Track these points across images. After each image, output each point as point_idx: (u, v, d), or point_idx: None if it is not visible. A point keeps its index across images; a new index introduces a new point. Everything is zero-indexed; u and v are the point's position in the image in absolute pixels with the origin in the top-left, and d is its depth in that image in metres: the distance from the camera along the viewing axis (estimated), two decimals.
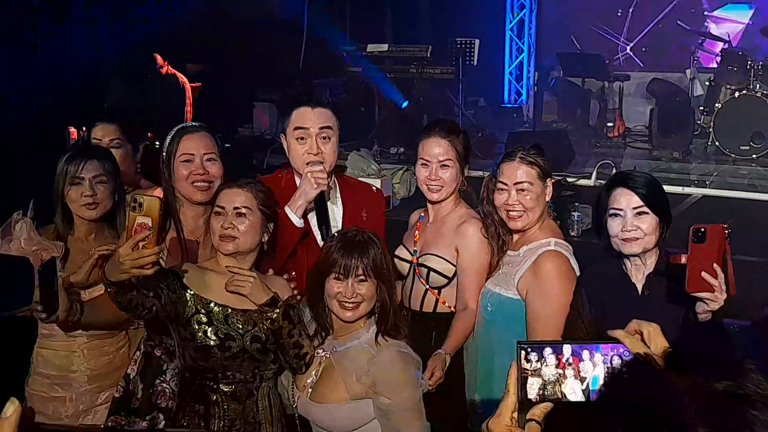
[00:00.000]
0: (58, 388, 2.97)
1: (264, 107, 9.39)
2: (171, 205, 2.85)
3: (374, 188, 3.31)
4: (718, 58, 8.58)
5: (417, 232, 3.15)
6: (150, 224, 2.28)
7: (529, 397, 1.53)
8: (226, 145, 8.24)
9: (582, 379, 1.51)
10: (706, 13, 10.27)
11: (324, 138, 2.91)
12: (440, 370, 2.73)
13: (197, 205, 2.86)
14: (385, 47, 9.16)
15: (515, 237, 2.94)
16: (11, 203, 3.07)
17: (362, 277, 2.51)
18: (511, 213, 2.85)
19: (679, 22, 9.79)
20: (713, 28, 10.04)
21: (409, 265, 3.08)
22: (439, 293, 3.02)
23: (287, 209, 2.82)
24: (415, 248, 3.09)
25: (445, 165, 2.99)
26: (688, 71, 9.43)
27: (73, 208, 2.92)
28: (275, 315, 2.47)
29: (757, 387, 1.10)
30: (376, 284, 2.53)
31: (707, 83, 8.75)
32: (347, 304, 2.51)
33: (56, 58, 6.96)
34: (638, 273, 2.63)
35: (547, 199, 2.89)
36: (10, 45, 6.62)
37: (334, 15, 9.88)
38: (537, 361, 1.53)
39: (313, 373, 2.61)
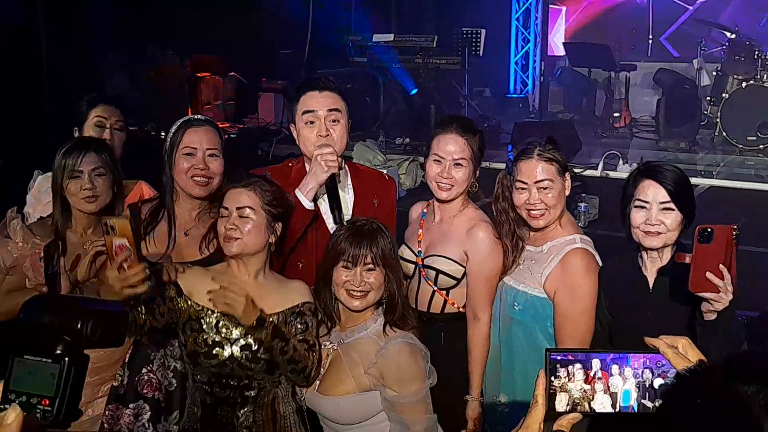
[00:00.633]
0: None
1: (269, 97, 9.38)
2: (167, 198, 2.86)
3: (386, 176, 3.27)
4: (725, 48, 8.53)
5: (420, 230, 3.06)
6: (127, 244, 2.34)
7: (558, 410, 1.52)
8: (231, 136, 8.30)
9: (612, 394, 1.50)
10: None
11: (333, 121, 2.88)
12: (479, 417, 2.83)
13: (194, 199, 2.85)
14: (390, 37, 9.12)
15: (533, 232, 2.89)
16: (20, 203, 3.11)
17: (371, 266, 2.51)
18: (532, 212, 2.77)
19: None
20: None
21: (413, 266, 3.01)
22: (447, 294, 2.96)
23: (298, 192, 2.80)
24: (420, 248, 3.01)
25: (459, 164, 2.88)
26: (695, 61, 9.38)
27: (73, 202, 2.90)
28: (263, 335, 2.42)
29: None
30: (384, 273, 2.53)
31: (714, 73, 8.71)
32: (355, 293, 2.51)
33: (58, 58, 6.96)
34: (653, 267, 2.60)
35: (567, 193, 2.83)
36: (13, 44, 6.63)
37: (340, 5, 9.85)
38: (565, 376, 1.51)
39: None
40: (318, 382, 2.57)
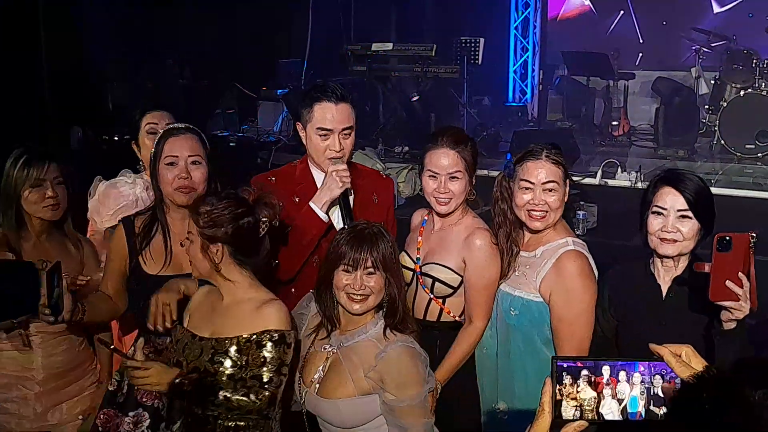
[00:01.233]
0: (21, 387, 3.01)
1: (269, 106, 9.39)
2: (158, 209, 2.88)
3: (383, 175, 3.38)
4: (724, 57, 8.55)
5: (420, 237, 3.08)
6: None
7: (564, 417, 1.51)
8: (231, 144, 8.30)
9: (619, 400, 1.50)
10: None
11: (345, 134, 2.97)
12: (433, 404, 2.72)
13: (183, 208, 2.84)
14: (389, 46, 9.14)
15: (527, 237, 2.89)
16: None
17: (371, 270, 2.52)
18: (533, 213, 2.78)
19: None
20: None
21: (411, 273, 3.02)
22: (443, 303, 2.97)
23: (313, 205, 2.90)
24: (418, 255, 3.03)
25: (454, 177, 2.90)
26: (693, 69, 9.39)
27: (33, 210, 2.96)
28: (187, 388, 2.39)
29: None
30: (385, 277, 2.54)
31: (713, 81, 8.72)
32: (355, 297, 2.52)
33: (60, 57, 6.97)
34: (666, 275, 2.59)
35: (566, 200, 2.85)
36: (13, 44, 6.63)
37: (339, 14, 9.87)
38: (571, 384, 1.51)
39: (320, 368, 2.61)
40: (318, 385, 2.57)
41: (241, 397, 2.37)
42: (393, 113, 8.86)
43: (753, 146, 7.75)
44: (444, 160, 2.91)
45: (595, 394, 1.49)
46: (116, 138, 3.48)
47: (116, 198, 3.31)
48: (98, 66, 7.64)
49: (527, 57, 11.34)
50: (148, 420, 2.75)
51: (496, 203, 2.94)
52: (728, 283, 2.21)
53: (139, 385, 2.47)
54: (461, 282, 2.93)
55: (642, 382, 1.49)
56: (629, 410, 1.48)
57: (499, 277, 2.90)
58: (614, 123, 9.18)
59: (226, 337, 2.46)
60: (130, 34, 7.84)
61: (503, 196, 2.91)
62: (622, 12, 10.78)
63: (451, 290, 2.95)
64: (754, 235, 2.26)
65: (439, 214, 3.02)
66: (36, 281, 2.44)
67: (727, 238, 2.23)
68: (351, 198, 3.05)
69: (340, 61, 9.26)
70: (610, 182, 6.82)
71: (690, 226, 2.49)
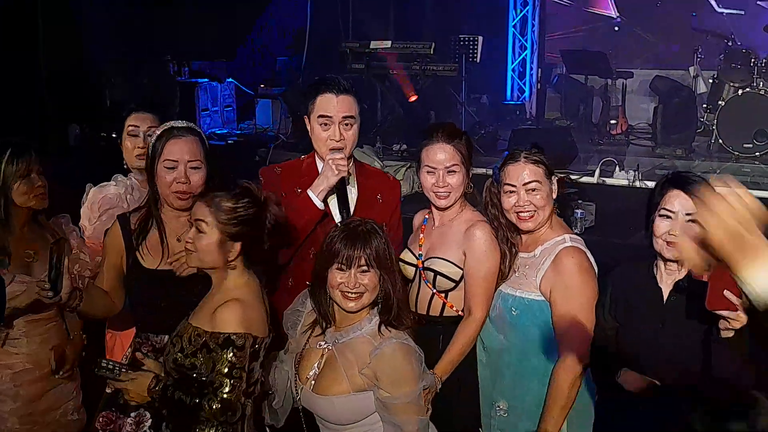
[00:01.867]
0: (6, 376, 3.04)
1: (267, 103, 9.39)
2: (153, 206, 2.86)
3: (390, 177, 3.40)
4: (722, 56, 8.55)
5: (422, 235, 3.12)
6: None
7: None
8: (229, 142, 8.30)
9: None
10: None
11: (347, 125, 3.00)
12: (430, 394, 2.72)
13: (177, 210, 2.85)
14: (388, 44, 9.13)
15: (525, 238, 2.92)
16: None
17: (365, 268, 2.51)
18: (521, 214, 2.82)
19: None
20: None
21: (414, 268, 3.06)
22: (446, 297, 2.99)
23: (310, 193, 2.94)
24: (421, 252, 3.06)
25: (451, 171, 2.96)
26: (691, 68, 9.39)
27: (22, 201, 3.02)
28: (161, 391, 2.45)
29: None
30: (379, 274, 2.53)
31: (710, 80, 8.72)
32: (350, 294, 2.52)
33: (59, 54, 6.96)
34: (669, 278, 2.59)
35: (554, 196, 2.87)
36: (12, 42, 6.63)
37: (338, 12, 9.87)
38: None
39: (316, 365, 2.61)
40: (313, 382, 2.58)
41: (199, 401, 2.37)
42: (391, 111, 8.87)
43: (751, 145, 7.75)
44: (441, 154, 2.97)
45: None
46: (114, 135, 3.46)
47: (103, 202, 3.32)
48: (96, 64, 7.64)
49: (525, 55, 11.34)
50: (150, 420, 2.75)
51: (486, 208, 3.00)
52: (726, 292, 2.19)
53: (129, 399, 2.55)
54: (462, 276, 2.95)
55: None
56: None
57: (498, 269, 2.92)
58: (612, 122, 9.19)
59: (190, 323, 2.50)
60: (128, 32, 7.84)
61: (492, 201, 2.97)
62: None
63: (453, 284, 2.97)
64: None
65: (438, 209, 3.06)
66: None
67: None
68: (354, 194, 3.09)
69: (338, 59, 9.26)
70: (608, 181, 6.83)
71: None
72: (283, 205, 2.63)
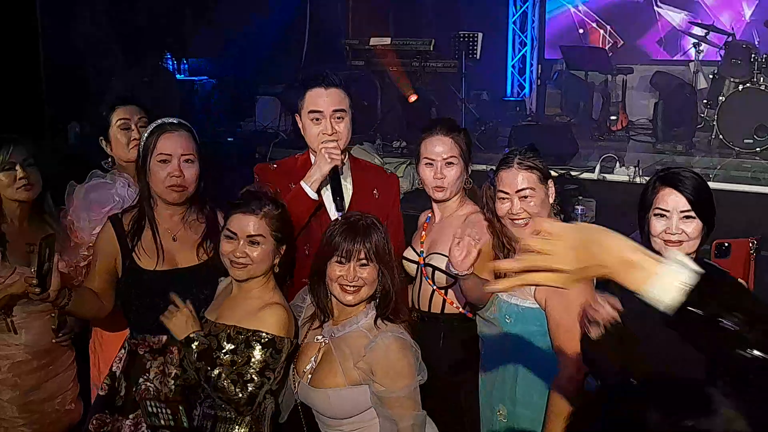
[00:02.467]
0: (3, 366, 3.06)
1: (267, 101, 9.37)
2: (146, 205, 2.84)
3: (387, 171, 3.38)
4: (722, 51, 8.54)
5: (424, 232, 3.12)
6: None
7: None
8: (229, 139, 8.29)
9: None
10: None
11: (338, 118, 2.98)
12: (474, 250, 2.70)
13: (172, 204, 2.84)
14: (387, 41, 9.12)
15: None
16: None
17: (364, 261, 2.52)
18: (516, 221, 2.78)
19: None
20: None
21: (416, 266, 3.06)
22: (446, 293, 2.99)
23: (303, 183, 2.92)
24: (422, 249, 3.06)
25: (450, 162, 2.97)
26: (691, 64, 9.38)
27: (7, 194, 3.02)
28: (189, 354, 2.55)
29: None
30: (378, 269, 2.54)
31: (711, 76, 8.71)
32: (348, 288, 2.53)
33: (58, 53, 6.95)
34: None
35: (551, 200, 2.82)
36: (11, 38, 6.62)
37: (337, 8, 9.85)
38: None
39: (312, 358, 2.62)
40: (310, 375, 2.58)
41: (230, 383, 2.48)
42: (391, 108, 8.86)
43: (751, 141, 7.74)
44: (439, 146, 2.98)
45: None
46: (100, 138, 3.40)
47: (101, 201, 3.24)
48: (96, 62, 7.63)
49: (525, 51, 11.32)
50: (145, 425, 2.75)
51: (484, 210, 2.97)
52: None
53: (163, 321, 2.61)
54: None
55: None
56: None
57: (493, 255, 2.91)
58: (612, 117, 9.17)
59: (224, 323, 2.60)
60: (126, 31, 7.83)
61: (488, 206, 2.93)
62: None
63: (452, 280, 2.96)
64: (755, 241, 2.21)
65: (436, 202, 3.06)
66: None
67: (726, 244, 2.20)
68: (349, 189, 3.06)
69: (338, 55, 9.24)
70: (609, 177, 6.82)
71: (694, 226, 2.45)
72: None
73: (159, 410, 2.63)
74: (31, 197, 3.08)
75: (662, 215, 2.49)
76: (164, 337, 2.69)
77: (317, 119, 2.96)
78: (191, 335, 2.54)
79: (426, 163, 3.01)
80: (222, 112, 9.34)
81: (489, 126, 8.53)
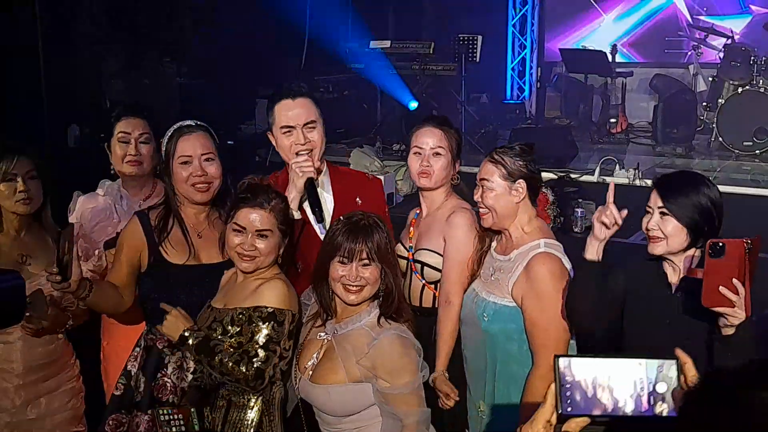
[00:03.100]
0: (1, 379, 3.04)
1: (266, 104, 9.36)
2: (172, 204, 2.90)
3: (369, 176, 3.36)
4: (721, 54, 8.55)
5: (412, 228, 3.17)
6: None
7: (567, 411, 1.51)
8: (229, 143, 8.29)
9: (619, 398, 1.49)
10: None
11: (310, 128, 2.96)
12: (450, 389, 2.87)
13: (197, 204, 2.90)
14: (387, 44, 9.13)
15: (504, 240, 2.87)
16: None
17: (366, 261, 2.53)
18: (480, 210, 2.85)
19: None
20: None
21: (406, 261, 3.09)
22: (435, 288, 3.02)
23: None
24: (411, 244, 3.11)
25: (437, 153, 3.02)
26: (691, 67, 9.40)
27: (6, 205, 2.99)
28: (189, 350, 2.63)
29: None
30: (380, 268, 2.56)
31: (710, 79, 8.72)
32: (351, 287, 2.54)
33: (57, 56, 6.96)
34: (674, 276, 2.58)
35: (516, 201, 2.78)
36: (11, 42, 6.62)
37: (337, 11, 9.86)
38: (572, 381, 1.50)
39: (314, 355, 2.64)
40: (311, 372, 2.59)
41: (233, 364, 2.51)
42: (390, 111, 8.87)
43: (751, 143, 7.75)
44: (429, 137, 3.05)
45: (598, 390, 1.49)
46: (102, 135, 3.39)
47: (93, 215, 3.24)
48: (95, 64, 7.64)
49: (525, 54, 11.34)
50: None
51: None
52: (722, 289, 2.19)
53: (159, 329, 2.67)
54: None
55: (641, 380, 1.48)
56: (630, 407, 1.47)
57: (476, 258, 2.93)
58: (612, 120, 9.18)
59: (227, 308, 2.64)
60: (126, 31, 7.83)
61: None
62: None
63: (440, 274, 3.00)
64: (749, 241, 2.22)
65: (422, 189, 3.10)
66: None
67: (720, 244, 2.20)
68: (330, 202, 3.03)
69: (337, 59, 9.26)
70: (608, 180, 6.82)
71: (673, 225, 2.49)
72: None
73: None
74: (29, 211, 3.03)
75: (646, 212, 2.58)
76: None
77: (288, 132, 2.94)
78: (185, 333, 2.58)
79: (414, 152, 3.07)
80: (221, 114, 9.33)
81: (489, 129, 8.55)
